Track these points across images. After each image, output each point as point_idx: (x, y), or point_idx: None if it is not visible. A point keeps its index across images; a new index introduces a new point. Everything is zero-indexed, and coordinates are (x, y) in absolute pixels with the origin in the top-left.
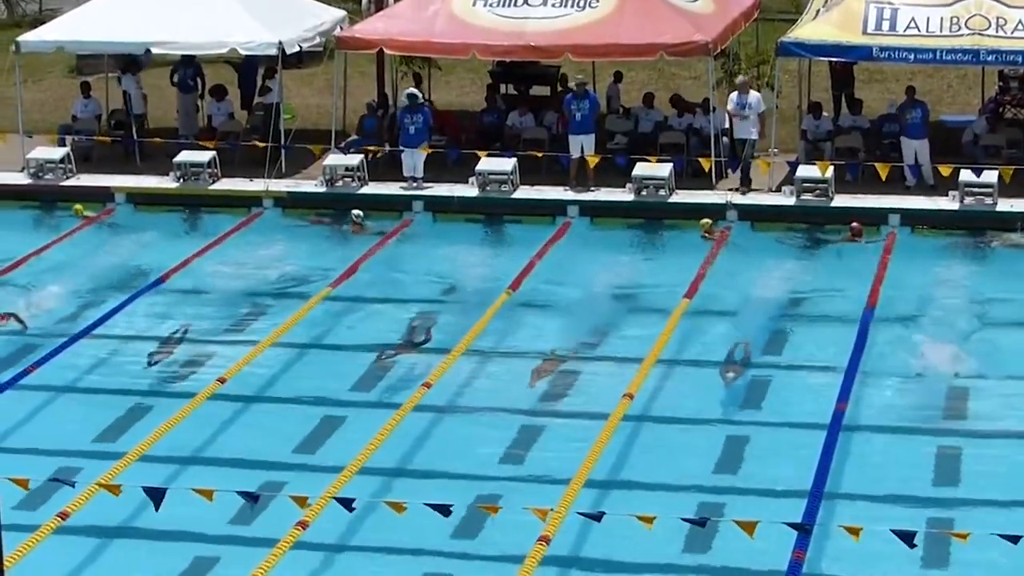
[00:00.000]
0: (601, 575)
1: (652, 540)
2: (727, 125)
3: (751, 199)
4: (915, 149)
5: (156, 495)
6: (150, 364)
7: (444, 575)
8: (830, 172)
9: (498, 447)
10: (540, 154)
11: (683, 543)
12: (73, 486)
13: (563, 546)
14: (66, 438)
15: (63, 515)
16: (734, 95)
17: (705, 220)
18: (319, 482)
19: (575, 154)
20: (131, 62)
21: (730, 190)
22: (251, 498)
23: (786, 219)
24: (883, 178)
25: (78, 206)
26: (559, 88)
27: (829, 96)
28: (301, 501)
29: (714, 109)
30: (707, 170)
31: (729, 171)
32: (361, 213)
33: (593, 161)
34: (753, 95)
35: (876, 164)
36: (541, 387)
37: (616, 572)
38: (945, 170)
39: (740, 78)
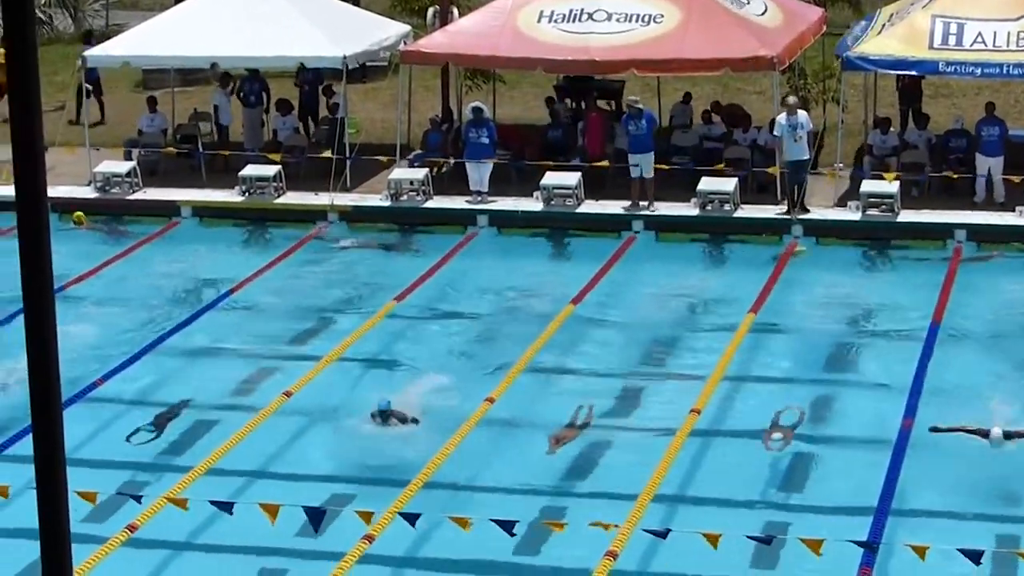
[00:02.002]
0: None
1: (718, 557)
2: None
3: (816, 214)
4: (990, 167)
5: (224, 508)
6: (216, 378)
7: None
8: (896, 187)
9: (563, 462)
10: (606, 165)
11: (749, 560)
12: (140, 500)
13: (629, 562)
14: (133, 451)
15: (131, 528)
16: (782, 117)
17: (799, 249)
18: (384, 497)
19: (634, 174)
20: (224, 75)
21: (784, 215)
22: (317, 514)
23: (851, 234)
24: (953, 179)
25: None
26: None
27: (896, 111)
28: (367, 516)
29: None
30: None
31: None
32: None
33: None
34: (802, 115)
35: (945, 174)
36: (606, 402)
37: None
38: (1017, 179)
39: (791, 99)
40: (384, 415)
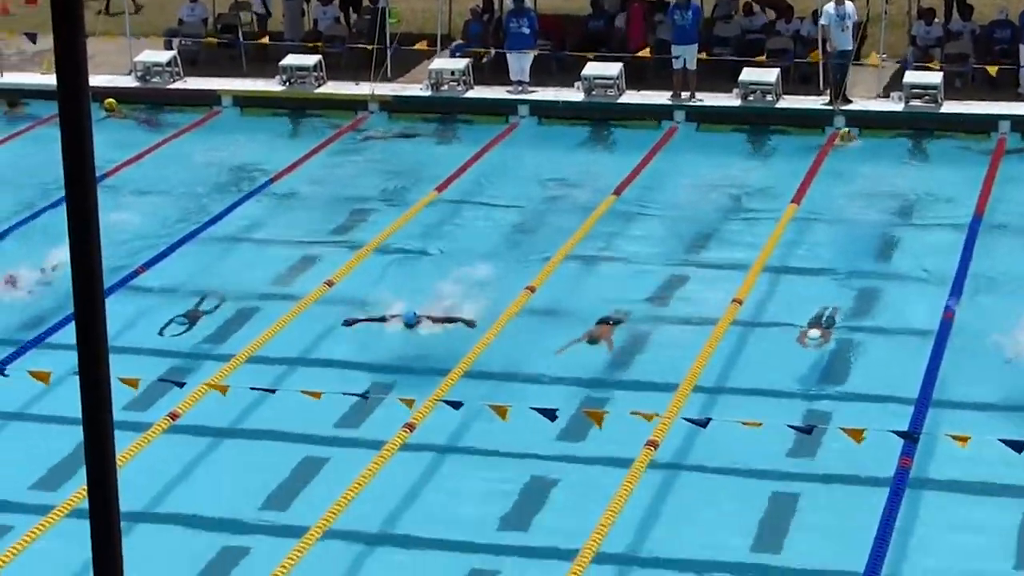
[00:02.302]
0: (708, 478)
1: (758, 446)
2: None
3: (859, 105)
4: None
5: (265, 396)
6: (256, 267)
7: (550, 478)
8: (939, 77)
9: (603, 352)
10: (647, 57)
11: (789, 450)
12: (182, 386)
13: (670, 451)
14: (175, 340)
15: (173, 415)
16: (830, 6)
17: (844, 129)
18: (425, 386)
19: (676, 65)
20: None
21: (827, 105)
22: (359, 402)
23: (894, 125)
24: (992, 76)
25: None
26: None
27: (940, 1)
28: (408, 403)
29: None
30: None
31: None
32: None
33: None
34: (849, 4)
35: (989, 65)
36: (646, 292)
37: (724, 475)
38: None
39: None
40: (411, 327)
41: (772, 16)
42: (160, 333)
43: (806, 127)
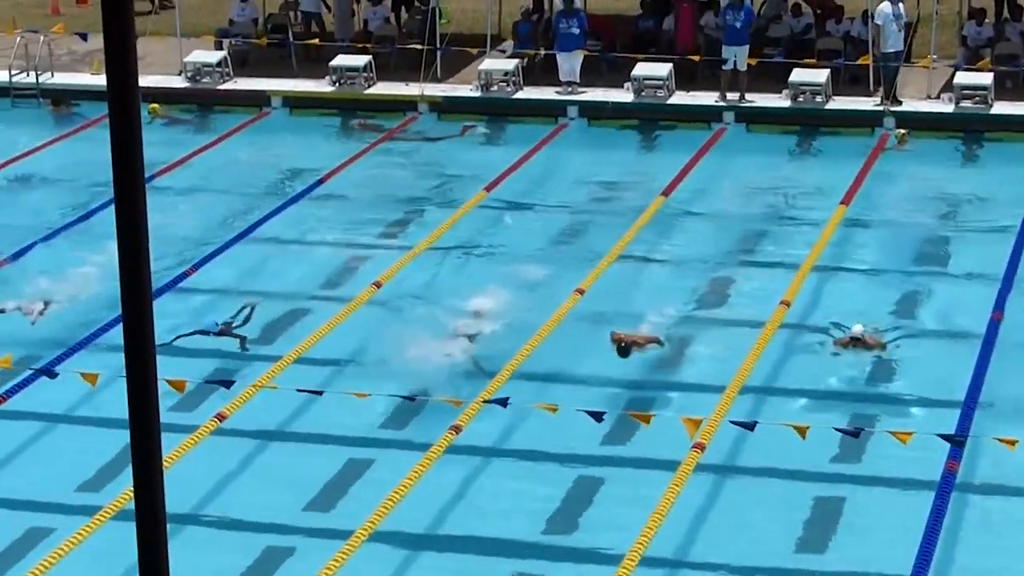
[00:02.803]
0: (755, 480)
1: (806, 449)
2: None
3: (909, 106)
4: None
5: (313, 397)
6: (305, 268)
7: (597, 481)
8: (990, 78)
9: (652, 354)
10: (696, 58)
11: (836, 453)
12: (229, 387)
13: (717, 454)
14: (223, 341)
15: (220, 416)
16: (886, 5)
17: (900, 130)
18: (473, 387)
19: (727, 66)
20: None
21: (877, 105)
22: (406, 403)
23: (944, 126)
24: None
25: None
26: None
27: (991, 2)
28: (455, 403)
29: (872, 16)
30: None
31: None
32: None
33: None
34: (902, 5)
35: None
36: (695, 293)
37: (771, 478)
38: None
39: None
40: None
41: (818, 15)
42: (216, 329)
43: (856, 128)
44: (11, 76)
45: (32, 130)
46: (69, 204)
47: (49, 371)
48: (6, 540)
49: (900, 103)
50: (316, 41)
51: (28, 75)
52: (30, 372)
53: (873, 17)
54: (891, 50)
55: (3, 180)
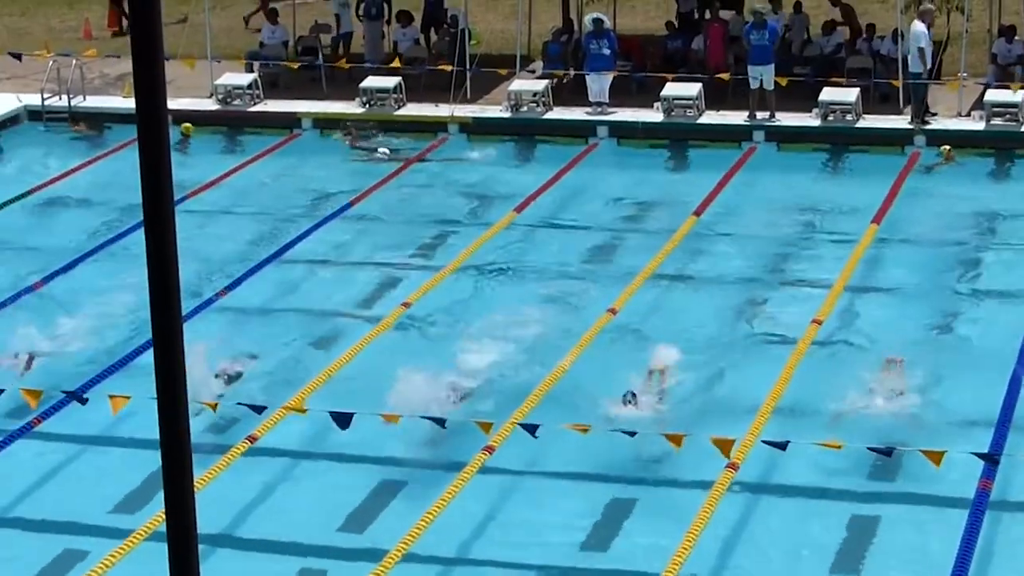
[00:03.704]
0: (788, 500)
1: (838, 468)
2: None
3: (939, 124)
4: None
5: (343, 419)
6: (336, 289)
7: (630, 501)
8: (1021, 95)
9: (684, 373)
10: (726, 78)
11: (869, 473)
12: (261, 412)
13: (750, 474)
14: (254, 361)
15: (251, 438)
16: (923, 26)
17: (945, 147)
18: (505, 408)
19: (754, 85)
20: None
21: (910, 123)
22: (437, 423)
23: (976, 144)
24: None
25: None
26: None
27: (1021, 19)
28: (486, 427)
29: (902, 35)
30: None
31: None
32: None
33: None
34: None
35: None
36: (727, 312)
37: (804, 497)
38: None
39: (930, 4)
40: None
41: (847, 36)
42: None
43: (886, 146)
44: (43, 99)
45: (64, 153)
46: (101, 226)
47: (80, 395)
48: (40, 563)
49: (926, 122)
50: (346, 65)
51: (60, 98)
52: (62, 396)
53: (903, 37)
54: (920, 69)
55: (37, 203)
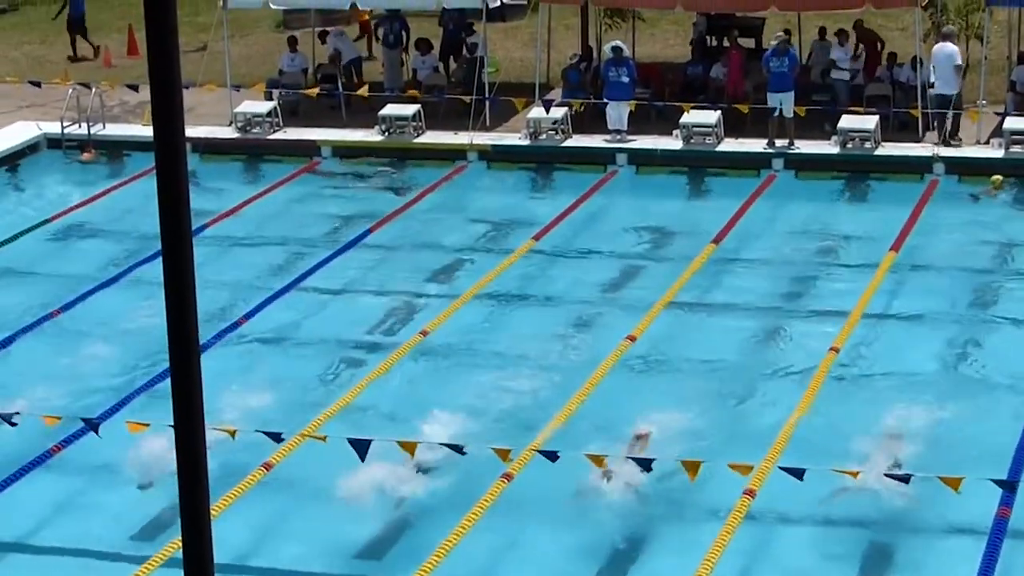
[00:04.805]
0: (805, 528)
1: (855, 494)
2: (933, 78)
3: (958, 152)
4: None
5: (361, 447)
6: (353, 317)
7: (647, 529)
8: None
9: (701, 401)
10: (745, 108)
11: (886, 499)
12: (279, 440)
13: (767, 501)
14: (272, 389)
15: (267, 466)
16: (954, 48)
17: (996, 176)
18: (522, 435)
19: (775, 112)
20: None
21: (936, 144)
22: (456, 451)
23: (995, 172)
24: None
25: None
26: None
27: None
28: (503, 454)
29: (921, 63)
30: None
31: (935, 125)
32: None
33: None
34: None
35: None
36: (745, 341)
37: (821, 525)
38: None
39: (952, 27)
40: None
41: (864, 62)
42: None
43: (906, 174)
44: (63, 127)
45: (83, 181)
46: (120, 254)
47: (96, 424)
48: None
49: (959, 141)
50: (366, 91)
51: (80, 126)
52: (81, 425)
53: (921, 63)
54: (946, 92)
55: (56, 230)
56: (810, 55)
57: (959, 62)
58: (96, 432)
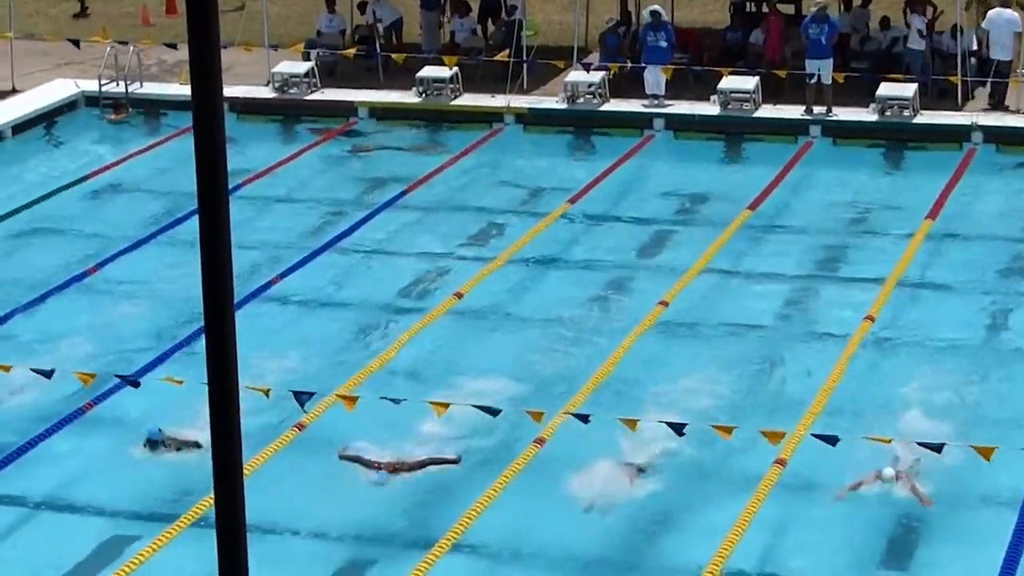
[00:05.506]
0: (835, 496)
1: (887, 463)
2: (975, 47)
3: (998, 120)
4: None
5: (392, 406)
6: (389, 278)
7: (678, 494)
8: None
9: (735, 367)
10: (783, 73)
11: (919, 468)
12: (311, 396)
13: (799, 468)
14: (307, 349)
15: (300, 426)
16: (998, 12)
17: None
18: (556, 398)
19: (812, 79)
20: None
21: (982, 111)
22: (490, 413)
23: None
24: None
25: None
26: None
27: None
28: (537, 416)
29: (962, 31)
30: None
31: (978, 90)
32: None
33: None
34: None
35: None
36: (779, 308)
37: (853, 492)
38: None
39: None
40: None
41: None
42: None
43: (943, 142)
44: (101, 86)
45: (121, 139)
46: (155, 213)
47: (134, 380)
48: (87, 549)
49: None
50: (402, 56)
51: (117, 85)
52: (116, 380)
53: (962, 32)
54: (1003, 58)
55: (93, 188)
56: (851, 23)
57: (1020, 28)
58: (136, 386)
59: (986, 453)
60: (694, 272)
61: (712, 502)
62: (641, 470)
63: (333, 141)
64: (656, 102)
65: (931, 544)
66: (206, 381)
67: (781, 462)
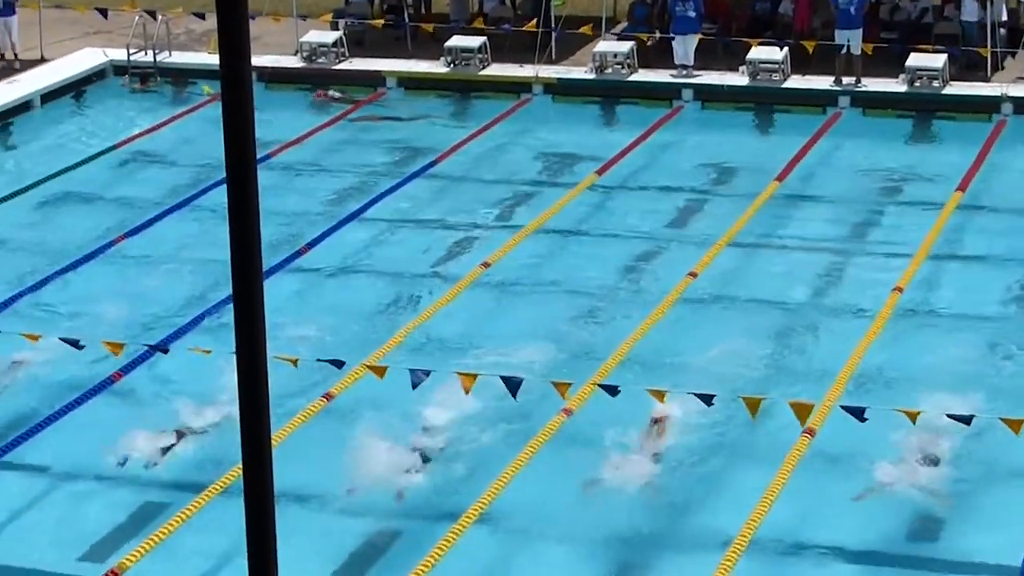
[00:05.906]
0: (866, 467)
1: (916, 436)
2: (1005, 17)
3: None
4: None
5: (419, 378)
6: (417, 248)
7: (706, 465)
8: None
9: (763, 339)
10: (812, 43)
11: (947, 440)
12: (340, 367)
13: (827, 439)
14: (334, 319)
15: (328, 396)
16: None
17: None
18: (584, 369)
19: (842, 50)
20: None
21: (1012, 81)
22: (514, 384)
23: None
24: None
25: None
26: None
27: None
28: (563, 388)
29: (992, 1)
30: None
31: (1008, 61)
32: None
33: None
34: None
35: None
36: (808, 279)
37: (880, 461)
38: None
39: None
40: None
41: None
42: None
43: (973, 113)
44: (129, 55)
45: (149, 108)
46: (183, 182)
47: (162, 348)
48: (115, 518)
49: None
50: (431, 26)
51: (146, 54)
52: (144, 348)
53: (992, 2)
54: None
55: (121, 158)
56: None
57: None
58: (165, 352)
59: (1015, 426)
60: (723, 243)
61: (741, 473)
62: (669, 441)
63: (361, 110)
64: (684, 72)
65: (960, 517)
66: (234, 351)
67: (810, 432)
